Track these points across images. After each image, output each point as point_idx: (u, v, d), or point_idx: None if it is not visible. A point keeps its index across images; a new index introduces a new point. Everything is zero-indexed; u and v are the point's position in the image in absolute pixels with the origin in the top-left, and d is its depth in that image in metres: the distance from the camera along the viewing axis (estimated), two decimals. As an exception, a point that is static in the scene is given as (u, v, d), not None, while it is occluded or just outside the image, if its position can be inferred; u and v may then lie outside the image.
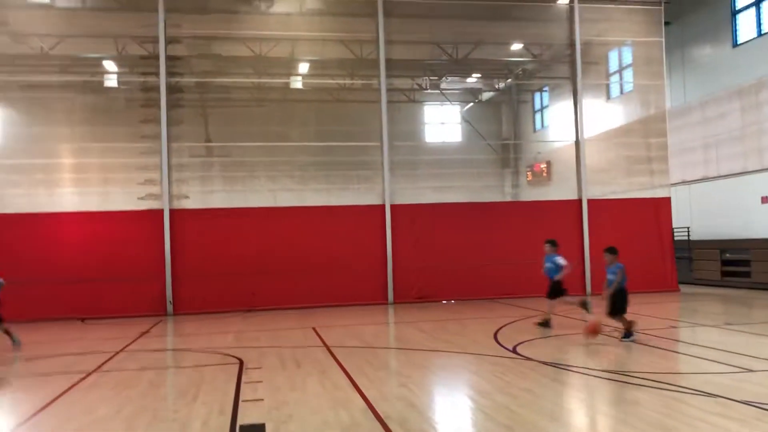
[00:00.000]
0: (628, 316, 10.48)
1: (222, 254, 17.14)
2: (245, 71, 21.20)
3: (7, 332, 11.84)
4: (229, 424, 6.23)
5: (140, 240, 16.76)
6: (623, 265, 10.59)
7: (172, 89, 17.46)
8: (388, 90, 18.73)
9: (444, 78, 25.78)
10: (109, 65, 20.29)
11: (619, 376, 7.81)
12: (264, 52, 20.17)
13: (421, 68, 24.38)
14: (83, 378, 8.84)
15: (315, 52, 21.06)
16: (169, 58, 17.27)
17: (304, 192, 19.96)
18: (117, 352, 11.03)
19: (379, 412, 6.47)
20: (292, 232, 17.66)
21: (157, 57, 17.41)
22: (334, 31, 19.42)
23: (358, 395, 7.23)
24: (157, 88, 17.34)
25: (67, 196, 17.12)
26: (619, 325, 10.69)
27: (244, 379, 8.45)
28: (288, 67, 22.42)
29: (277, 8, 19.06)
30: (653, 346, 9.88)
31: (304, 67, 22.75)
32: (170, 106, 17.22)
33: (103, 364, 9.95)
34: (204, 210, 17.40)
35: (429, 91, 26.57)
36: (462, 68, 24.42)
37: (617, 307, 10.45)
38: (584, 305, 12.75)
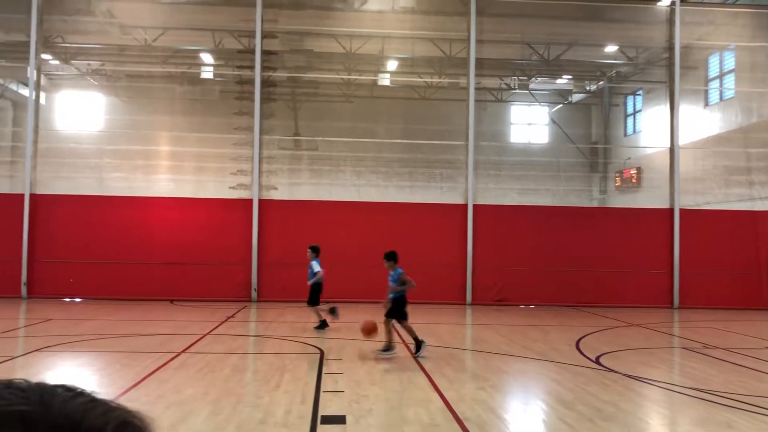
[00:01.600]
0: (402, 327, 9.83)
1: (306, 244, 17.46)
2: (335, 67, 21.53)
3: None
4: (311, 414, 6.38)
5: (230, 227, 17.33)
6: (402, 271, 9.96)
7: (265, 83, 17.94)
8: (476, 89, 18.61)
9: (533, 78, 25.37)
10: (207, 58, 21.04)
11: (708, 395, 7.51)
12: (354, 48, 20.42)
13: (510, 68, 24.08)
14: (172, 358, 9.25)
15: (404, 49, 21.14)
16: (264, 52, 17.76)
17: (387, 188, 20.09)
18: (203, 335, 11.47)
19: (458, 413, 6.48)
20: (373, 226, 17.83)
21: (252, 51, 17.92)
22: (425, 29, 19.44)
23: (437, 395, 7.26)
24: (251, 82, 17.85)
25: (163, 182, 17.91)
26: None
27: (324, 369, 8.62)
28: (377, 64, 22.61)
29: (370, 6, 19.26)
30: (745, 366, 9.44)
31: (392, 65, 22.88)
32: (263, 100, 17.70)
33: (190, 345, 10.37)
34: (290, 201, 17.80)
35: (517, 91, 26.20)
36: (552, 69, 23.94)
37: (394, 313, 9.82)
38: (332, 312, 12.55)
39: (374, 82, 23.49)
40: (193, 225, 17.23)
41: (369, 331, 9.78)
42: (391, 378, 8.15)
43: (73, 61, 21.13)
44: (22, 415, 0.54)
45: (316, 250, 12.69)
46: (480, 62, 18.69)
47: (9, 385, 0.58)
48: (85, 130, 19.40)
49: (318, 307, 12.54)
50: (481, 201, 18.17)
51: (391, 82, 23.69)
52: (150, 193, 17.52)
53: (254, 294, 17.23)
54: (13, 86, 23.56)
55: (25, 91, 23.37)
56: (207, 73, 21.37)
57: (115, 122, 19.65)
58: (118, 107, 20.55)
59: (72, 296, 16.80)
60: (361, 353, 9.92)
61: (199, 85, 20.62)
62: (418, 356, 9.58)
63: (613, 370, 8.92)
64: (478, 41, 18.41)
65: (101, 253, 16.98)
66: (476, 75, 18.52)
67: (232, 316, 14.31)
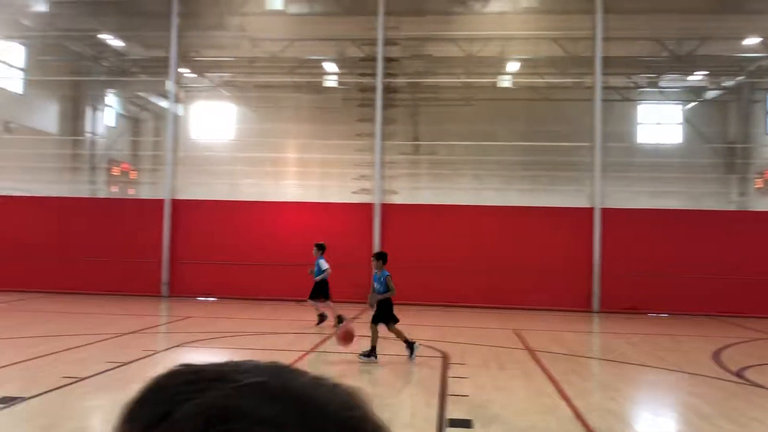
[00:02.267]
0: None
1: (425, 248, 17.57)
2: (455, 71, 21.50)
3: None
4: (437, 417, 6.40)
5: (352, 231, 17.71)
6: (389, 274, 9.68)
7: (386, 89, 18.22)
8: (602, 88, 17.96)
9: (663, 76, 24.15)
10: (330, 67, 21.68)
11: None
12: (474, 51, 20.31)
13: (638, 65, 23.06)
14: (301, 356, 9.59)
15: (526, 50, 20.77)
16: (385, 59, 18.04)
17: (508, 191, 19.78)
18: (330, 335, 11.78)
19: (588, 423, 6.28)
20: (494, 230, 17.63)
21: (374, 59, 18.26)
22: (547, 29, 19.00)
23: (565, 403, 7.06)
24: (372, 89, 18.18)
25: (291, 188, 18.59)
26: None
27: (448, 373, 8.62)
28: (497, 66, 22.37)
29: (491, 8, 19.09)
30: None
31: (513, 66, 22.54)
32: (384, 106, 17.98)
33: (318, 345, 10.70)
34: (411, 205, 17.95)
35: (646, 89, 25.03)
36: (684, 65, 22.66)
37: (382, 317, 9.48)
38: (338, 319, 12.54)
39: (494, 84, 23.25)
40: (318, 228, 17.72)
41: (344, 338, 8.98)
42: (516, 384, 8.03)
43: (206, 74, 22.45)
44: (264, 386, 0.59)
45: (321, 248, 13.09)
46: (606, 60, 18.02)
47: (243, 362, 0.64)
48: (219, 139, 20.52)
49: (317, 303, 12.96)
50: (609, 204, 17.50)
51: (513, 83, 23.34)
52: (278, 197, 18.22)
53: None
54: (154, 99, 25.38)
55: (164, 104, 25.12)
56: (331, 82, 22.01)
57: (246, 131, 20.66)
58: (248, 116, 21.60)
59: (206, 295, 17.78)
60: (485, 358, 9.83)
61: (323, 94, 21.27)
62: (412, 359, 9.34)
63: (760, 385, 8.30)
64: (604, 39, 17.75)
65: (233, 255, 17.85)
66: (602, 74, 17.88)
67: (356, 317, 14.61)
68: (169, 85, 18.98)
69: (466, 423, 6.19)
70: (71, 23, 20.25)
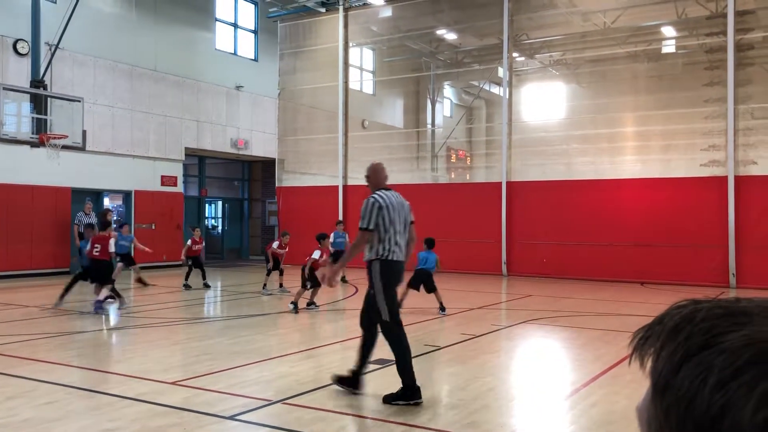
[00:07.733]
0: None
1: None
2: (828, 15, 18.18)
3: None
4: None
5: (701, 207, 16.25)
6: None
7: (738, 47, 16.23)
8: None
9: None
10: (667, 31, 20.08)
11: None
12: None
13: None
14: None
15: None
16: (737, 13, 16.07)
17: None
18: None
19: None
20: None
21: (721, 15, 16.41)
22: None
23: None
24: (721, 49, 16.37)
25: (629, 164, 17.74)
26: None
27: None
28: None
29: None
30: None
31: None
32: (737, 66, 16.04)
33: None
34: (772, 177, 15.78)
35: None
36: None
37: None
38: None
39: None
40: (661, 205, 16.65)
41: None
42: None
43: (536, 56, 22.52)
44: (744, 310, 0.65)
45: (340, 225, 16.43)
46: None
47: (754, 299, 0.68)
48: (550, 119, 20.46)
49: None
50: None
51: None
52: (616, 175, 17.52)
53: (732, 279, 15.80)
54: (485, 87, 26.35)
55: (494, 89, 25.90)
56: (668, 48, 20.37)
57: (578, 108, 20.25)
58: (579, 93, 21.13)
59: (543, 275, 17.95)
60: None
61: (660, 61, 19.78)
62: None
63: None
64: None
65: (570, 235, 17.72)
66: None
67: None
68: (503, 71, 19.49)
69: None
70: (412, 24, 22.03)
